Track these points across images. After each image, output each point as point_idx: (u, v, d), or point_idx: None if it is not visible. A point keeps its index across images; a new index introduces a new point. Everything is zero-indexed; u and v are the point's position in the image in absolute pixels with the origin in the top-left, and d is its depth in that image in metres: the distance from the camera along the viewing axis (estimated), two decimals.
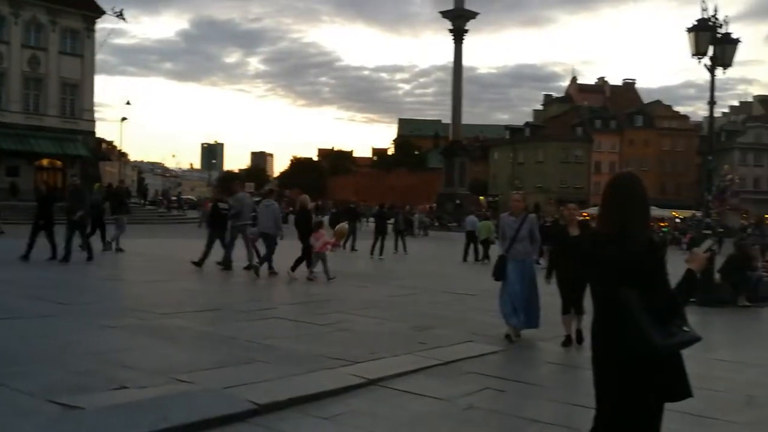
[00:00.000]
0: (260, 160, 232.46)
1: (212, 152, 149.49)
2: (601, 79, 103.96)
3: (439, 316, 10.44)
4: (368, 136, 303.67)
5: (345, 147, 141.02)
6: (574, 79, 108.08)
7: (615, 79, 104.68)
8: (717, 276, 14.66)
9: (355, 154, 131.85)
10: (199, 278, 14.03)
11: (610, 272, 3.18)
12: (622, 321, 3.07)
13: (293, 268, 14.19)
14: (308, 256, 14.50)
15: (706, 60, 14.41)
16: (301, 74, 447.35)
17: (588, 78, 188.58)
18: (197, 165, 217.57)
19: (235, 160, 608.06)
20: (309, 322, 9.20)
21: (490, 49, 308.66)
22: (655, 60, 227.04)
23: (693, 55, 14.21)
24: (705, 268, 3.41)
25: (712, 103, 14.78)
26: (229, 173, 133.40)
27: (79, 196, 16.03)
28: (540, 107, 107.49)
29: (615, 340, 3.14)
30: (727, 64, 14.63)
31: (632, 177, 3.36)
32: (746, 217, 75.27)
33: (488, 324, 9.75)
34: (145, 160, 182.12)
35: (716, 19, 14.41)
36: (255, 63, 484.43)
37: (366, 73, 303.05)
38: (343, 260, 17.54)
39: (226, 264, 15.08)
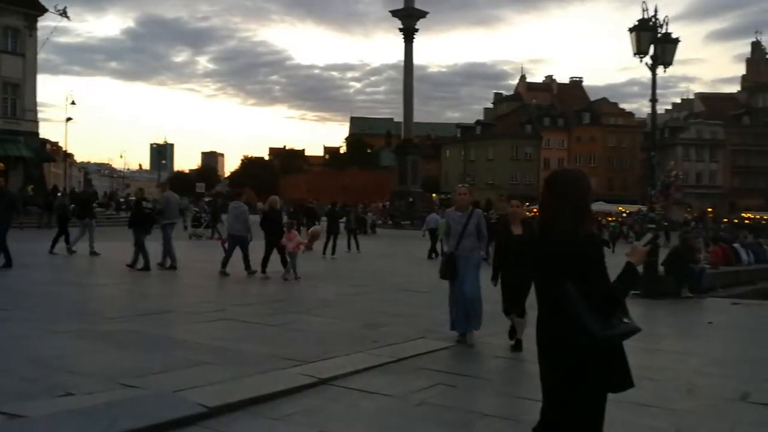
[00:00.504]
0: (211, 159, 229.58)
1: (162, 152, 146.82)
2: (549, 78, 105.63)
3: (392, 314, 10.50)
4: (320, 134, 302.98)
5: (297, 146, 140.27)
6: (523, 77, 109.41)
7: (563, 78, 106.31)
8: (661, 268, 15.07)
9: (307, 153, 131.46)
10: (148, 280, 13.82)
11: (550, 268, 3.26)
12: (563, 315, 3.16)
13: (263, 269, 14.70)
14: (282, 255, 14.87)
15: (648, 59, 14.82)
16: (252, 73, 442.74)
17: (536, 76, 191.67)
18: (146, 165, 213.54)
19: (186, 161, 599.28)
20: (261, 323, 9.15)
21: (440, 48, 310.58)
22: (601, 58, 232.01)
23: (635, 54, 14.60)
24: (645, 261, 3.53)
25: (654, 100, 15.19)
26: (180, 173, 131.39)
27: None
28: (490, 105, 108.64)
29: (557, 334, 3.23)
30: (667, 62, 15.06)
31: (567, 173, 3.43)
32: (690, 210, 77.49)
33: (441, 320, 9.81)
34: (92, 161, 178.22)
35: (657, 19, 14.84)
36: (204, 62, 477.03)
37: (317, 71, 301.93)
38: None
39: (164, 264, 15.23)
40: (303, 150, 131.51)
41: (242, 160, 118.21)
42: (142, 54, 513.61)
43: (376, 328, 9.15)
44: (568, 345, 3.18)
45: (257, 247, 15.13)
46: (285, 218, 16.85)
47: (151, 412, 4.99)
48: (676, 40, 15.13)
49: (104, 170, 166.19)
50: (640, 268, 3.26)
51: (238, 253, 14.90)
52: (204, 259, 20.12)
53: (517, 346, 8.00)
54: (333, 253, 21.19)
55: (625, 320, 3.20)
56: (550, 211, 3.32)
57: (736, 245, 24.32)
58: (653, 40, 14.84)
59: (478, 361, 7.69)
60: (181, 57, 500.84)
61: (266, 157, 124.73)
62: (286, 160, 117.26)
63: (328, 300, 11.94)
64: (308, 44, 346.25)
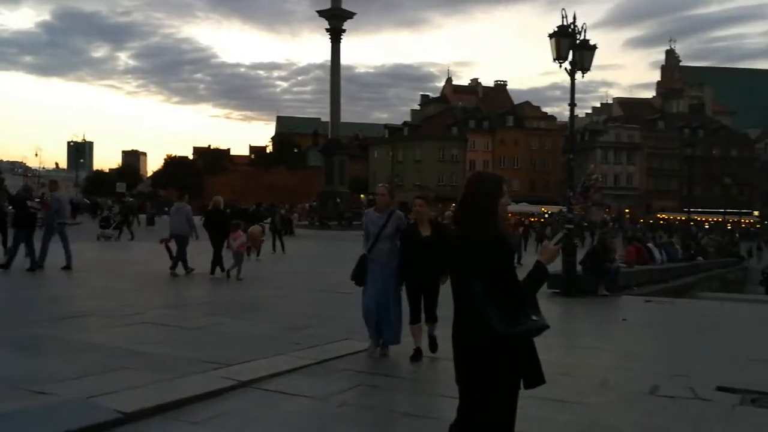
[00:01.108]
0: (133, 159, 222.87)
1: (80, 151, 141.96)
2: (475, 81, 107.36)
3: (316, 315, 10.47)
4: (246, 134, 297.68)
5: (222, 145, 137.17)
6: (449, 80, 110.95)
7: (488, 81, 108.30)
8: (579, 268, 15.55)
9: (232, 153, 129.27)
10: (63, 283, 13.35)
11: (461, 268, 3.34)
12: (472, 314, 3.25)
13: (216, 270, 15.18)
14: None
15: (567, 64, 15.27)
16: (175, 71, 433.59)
17: (462, 79, 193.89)
18: (63, 164, 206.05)
19: (106, 160, 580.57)
20: (180, 326, 8.97)
21: (368, 49, 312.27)
22: (525, 63, 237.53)
23: (554, 59, 15.02)
24: (554, 259, 3.66)
25: (572, 105, 15.64)
26: (100, 173, 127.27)
27: None
28: (417, 107, 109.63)
29: (468, 333, 3.31)
30: (585, 68, 15.55)
31: (479, 175, 3.53)
32: (608, 211, 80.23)
33: (362, 322, 9.89)
34: (5, 159, 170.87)
35: (575, 26, 15.30)
36: (125, 58, 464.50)
37: (243, 70, 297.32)
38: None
39: (33, 265, 14.53)
40: (228, 149, 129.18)
41: (165, 160, 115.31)
42: (59, 48, 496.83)
43: (299, 330, 9.11)
44: (479, 342, 3.27)
45: (199, 248, 15.29)
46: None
47: (65, 419, 4.84)
48: (594, 47, 15.63)
49: (18, 168, 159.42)
50: (560, 266, 3.39)
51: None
52: (121, 260, 19.59)
53: (432, 346, 7.64)
54: (258, 254, 20.97)
55: (534, 317, 3.29)
56: (463, 211, 3.41)
57: (650, 245, 25.32)
58: (572, 46, 15.30)
59: (399, 362, 7.75)
60: (100, 52, 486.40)
61: (190, 157, 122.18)
62: (211, 159, 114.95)
63: (252, 302, 11.82)
64: (234, 42, 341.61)
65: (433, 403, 5.97)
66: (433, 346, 7.63)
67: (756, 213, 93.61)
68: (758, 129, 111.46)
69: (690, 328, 12.15)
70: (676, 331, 11.75)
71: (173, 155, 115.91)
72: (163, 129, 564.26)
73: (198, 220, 15.94)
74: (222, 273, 15.12)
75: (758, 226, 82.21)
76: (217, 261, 15.32)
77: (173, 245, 15.53)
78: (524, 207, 68.06)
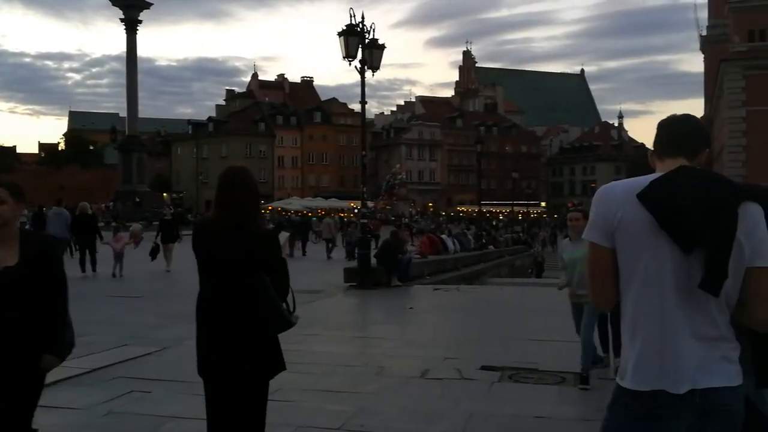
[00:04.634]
0: None
1: None
2: (281, 76, 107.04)
3: (96, 322, 9.91)
4: (34, 130, 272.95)
5: (7, 142, 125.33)
6: (255, 75, 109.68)
7: (294, 77, 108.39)
8: (374, 260, 16.10)
9: (19, 150, 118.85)
10: None
11: (233, 261, 3.36)
12: (261, 304, 3.33)
13: (83, 269, 16.40)
14: (93, 257, 16.66)
15: (357, 62, 15.70)
16: None
17: (269, 74, 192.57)
18: None
19: None
20: None
21: (169, 41, 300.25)
22: (331, 59, 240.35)
23: (344, 57, 15.37)
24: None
25: (363, 102, 16.16)
26: None
27: None
28: (222, 102, 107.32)
29: (253, 323, 3.37)
30: (375, 66, 16.10)
31: (242, 170, 3.59)
32: (414, 205, 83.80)
33: (148, 325, 9.58)
34: None
35: (364, 25, 15.76)
36: None
37: (28, 60, 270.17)
38: None
39: None
40: (14, 147, 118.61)
41: None
42: None
43: (76, 337, 8.57)
44: (275, 332, 3.44)
45: None
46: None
47: None
48: (382, 46, 16.22)
49: None
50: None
51: None
52: None
53: None
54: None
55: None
56: (245, 204, 3.43)
57: (443, 236, 26.77)
58: (362, 45, 15.74)
59: (182, 363, 7.56)
60: None
61: None
62: None
63: None
64: (16, 29, 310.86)
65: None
66: None
67: (543, 204, 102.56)
68: (544, 126, 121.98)
69: (469, 312, 13.02)
70: (456, 316, 12.53)
71: None
72: None
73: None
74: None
75: (545, 215, 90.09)
76: (84, 261, 16.58)
77: None
78: (334, 202, 69.09)
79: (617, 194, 2.18)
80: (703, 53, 65.77)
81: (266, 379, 3.51)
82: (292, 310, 3.52)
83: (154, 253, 17.56)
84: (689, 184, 2.08)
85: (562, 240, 7.22)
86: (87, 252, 16.73)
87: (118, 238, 16.92)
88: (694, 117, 2.36)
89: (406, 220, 53.98)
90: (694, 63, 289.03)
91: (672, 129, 2.31)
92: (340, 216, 49.94)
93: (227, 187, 3.44)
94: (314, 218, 44.95)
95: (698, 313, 2.10)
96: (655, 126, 2.35)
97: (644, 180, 2.15)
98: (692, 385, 2.06)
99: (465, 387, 6.72)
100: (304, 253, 27.32)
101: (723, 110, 45.98)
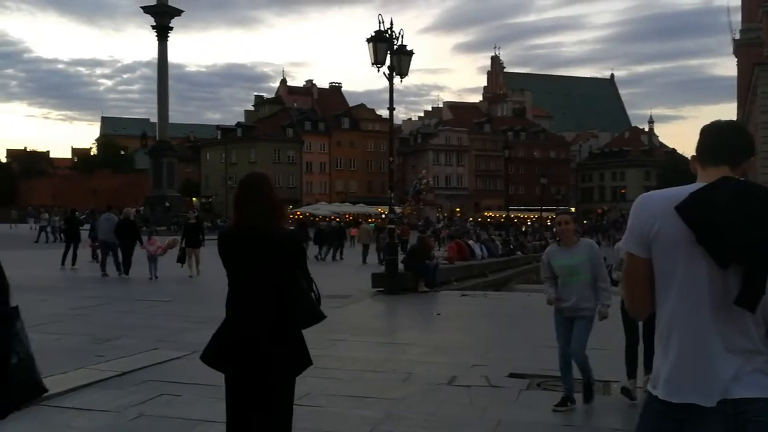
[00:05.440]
0: None
1: None
2: (310, 82, 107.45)
3: (126, 326, 10.06)
4: (67, 135, 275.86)
5: (40, 147, 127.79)
6: (284, 80, 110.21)
7: (323, 82, 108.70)
8: (401, 266, 16.11)
9: (52, 155, 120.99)
10: None
11: (253, 261, 3.42)
12: (294, 301, 3.42)
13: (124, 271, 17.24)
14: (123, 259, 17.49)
15: (385, 69, 15.73)
16: None
17: (297, 80, 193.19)
18: None
19: None
20: None
21: (199, 47, 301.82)
22: (359, 64, 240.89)
23: (372, 63, 15.42)
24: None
25: (391, 108, 16.18)
26: None
27: None
28: (251, 108, 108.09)
29: (280, 316, 3.43)
30: (403, 73, 16.10)
31: (261, 176, 3.69)
32: (441, 210, 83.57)
33: (176, 329, 9.67)
34: None
35: (392, 31, 15.80)
36: None
37: (61, 66, 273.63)
38: (24, 271, 16.04)
39: None
40: (48, 152, 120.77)
41: None
42: None
43: (106, 341, 8.72)
44: (306, 326, 3.50)
45: None
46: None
47: None
48: (411, 52, 16.22)
49: None
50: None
51: None
52: None
53: None
54: (73, 263, 19.75)
55: None
56: (245, 208, 3.51)
57: (470, 241, 26.68)
58: (390, 51, 15.78)
59: (210, 368, 7.63)
60: None
61: (3, 160, 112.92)
62: (28, 163, 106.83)
63: (60, 314, 11.12)
64: (50, 36, 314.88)
65: None
66: None
67: (572, 209, 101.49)
68: (573, 132, 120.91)
69: (497, 318, 12.95)
70: (483, 322, 12.48)
71: None
72: None
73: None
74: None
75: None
76: (129, 263, 17.30)
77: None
78: (362, 208, 69.19)
79: (655, 205, 2.16)
80: (737, 57, 64.82)
81: (293, 375, 3.52)
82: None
83: (182, 259, 17.75)
84: (729, 198, 2.04)
85: (551, 246, 6.46)
86: (123, 255, 17.30)
87: (152, 242, 17.53)
88: (738, 124, 2.32)
89: (440, 225, 53.80)
90: (727, 67, 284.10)
91: (715, 136, 2.25)
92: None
93: (240, 191, 3.57)
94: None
95: (734, 327, 2.07)
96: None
97: (683, 191, 2.11)
98: (724, 395, 2.03)
99: (493, 394, 6.68)
100: (341, 258, 28.35)
101: (756, 115, 45.21)
